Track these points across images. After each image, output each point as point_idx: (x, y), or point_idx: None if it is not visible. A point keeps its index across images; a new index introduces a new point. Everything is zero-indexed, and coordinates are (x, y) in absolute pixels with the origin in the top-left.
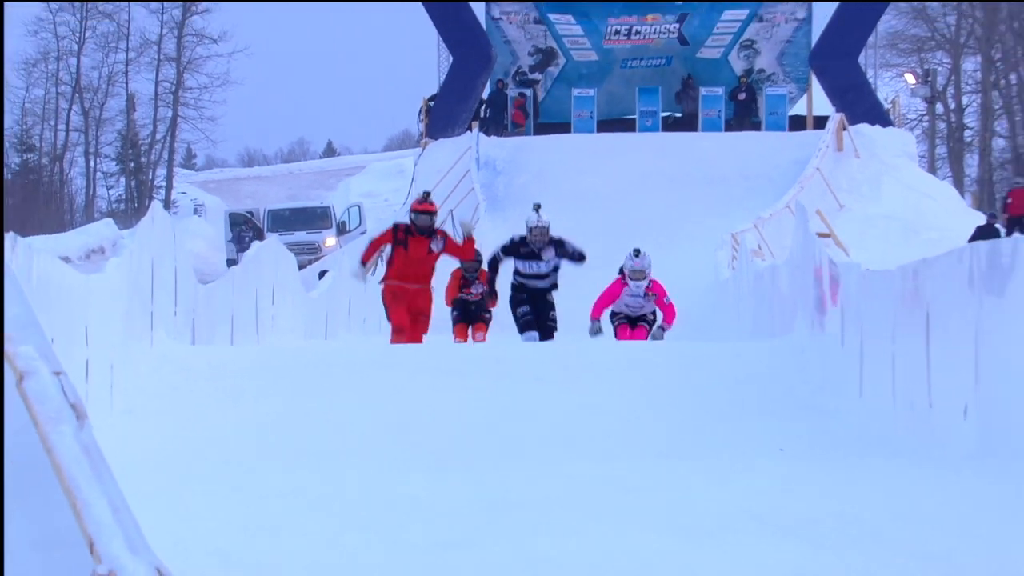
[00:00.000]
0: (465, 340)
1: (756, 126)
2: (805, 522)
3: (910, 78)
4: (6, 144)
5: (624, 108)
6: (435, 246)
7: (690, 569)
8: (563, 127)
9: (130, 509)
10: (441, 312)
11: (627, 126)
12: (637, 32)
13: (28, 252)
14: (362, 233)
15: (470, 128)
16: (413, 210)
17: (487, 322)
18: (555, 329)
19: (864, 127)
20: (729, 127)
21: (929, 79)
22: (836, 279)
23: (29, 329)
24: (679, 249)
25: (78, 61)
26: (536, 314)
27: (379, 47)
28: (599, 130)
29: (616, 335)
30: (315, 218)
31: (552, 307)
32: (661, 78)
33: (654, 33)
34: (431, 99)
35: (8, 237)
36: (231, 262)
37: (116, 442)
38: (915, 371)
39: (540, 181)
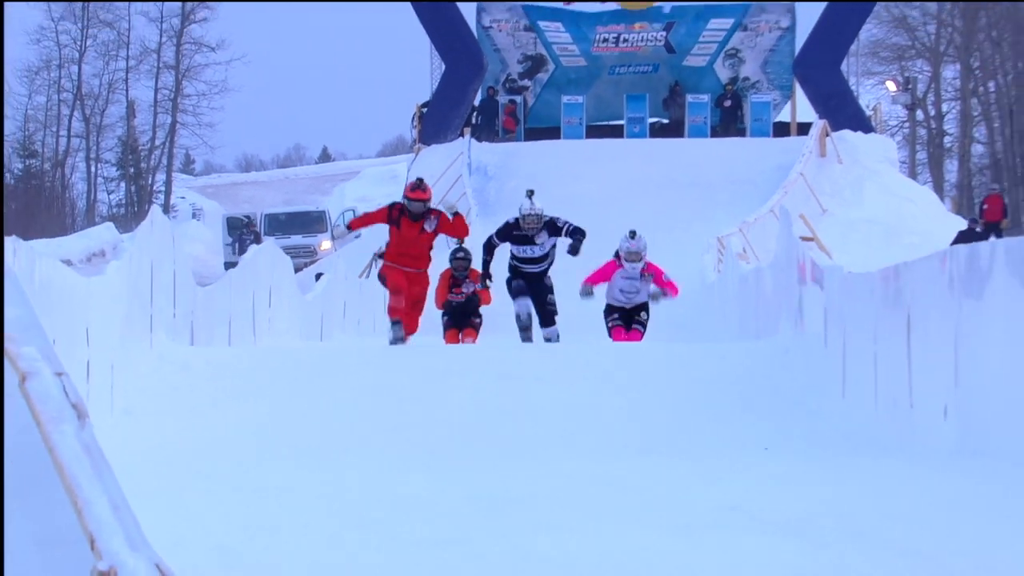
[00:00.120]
0: (454, 342)
1: (741, 132)
2: (790, 519)
3: (891, 85)
4: (8, 150)
5: (612, 113)
6: (428, 226)
7: (679, 564)
8: (552, 132)
9: (130, 507)
10: (432, 315)
11: (615, 132)
12: (625, 40)
13: (30, 255)
14: (356, 237)
15: (462, 134)
16: (406, 196)
17: (477, 327)
18: (555, 313)
19: (846, 133)
20: (715, 133)
21: (910, 86)
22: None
23: (31, 330)
24: (666, 252)
25: (79, 69)
26: (533, 295)
27: (373, 55)
28: (588, 136)
29: (611, 335)
30: (311, 222)
31: (550, 290)
32: (648, 85)
33: (641, 41)
34: (424, 106)
35: (10, 241)
36: (229, 265)
37: (116, 441)
38: (896, 372)
39: (530, 186)
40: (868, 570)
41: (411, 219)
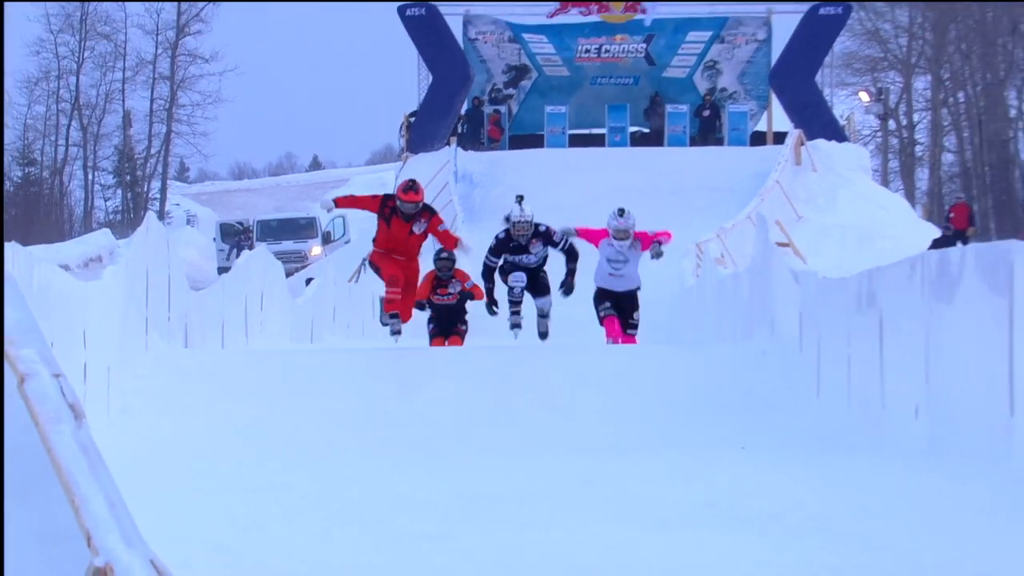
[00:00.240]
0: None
1: (719, 141)
2: (765, 515)
3: (864, 96)
4: (8, 159)
5: (594, 120)
6: (417, 228)
7: (656, 559)
8: (536, 139)
9: (126, 504)
10: (418, 319)
11: (597, 141)
12: (607, 51)
13: (29, 260)
14: (346, 242)
15: (448, 143)
16: (398, 197)
17: (463, 335)
18: (549, 287)
19: (821, 142)
20: (694, 142)
21: (882, 97)
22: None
23: (30, 333)
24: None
25: (77, 80)
26: (528, 274)
27: (362, 67)
28: (570, 144)
29: (603, 325)
30: (301, 228)
31: (545, 276)
32: (629, 96)
33: (622, 52)
34: (412, 115)
35: (9, 246)
36: (222, 270)
37: (113, 440)
38: (869, 373)
39: (515, 193)
40: (841, 565)
41: (402, 219)
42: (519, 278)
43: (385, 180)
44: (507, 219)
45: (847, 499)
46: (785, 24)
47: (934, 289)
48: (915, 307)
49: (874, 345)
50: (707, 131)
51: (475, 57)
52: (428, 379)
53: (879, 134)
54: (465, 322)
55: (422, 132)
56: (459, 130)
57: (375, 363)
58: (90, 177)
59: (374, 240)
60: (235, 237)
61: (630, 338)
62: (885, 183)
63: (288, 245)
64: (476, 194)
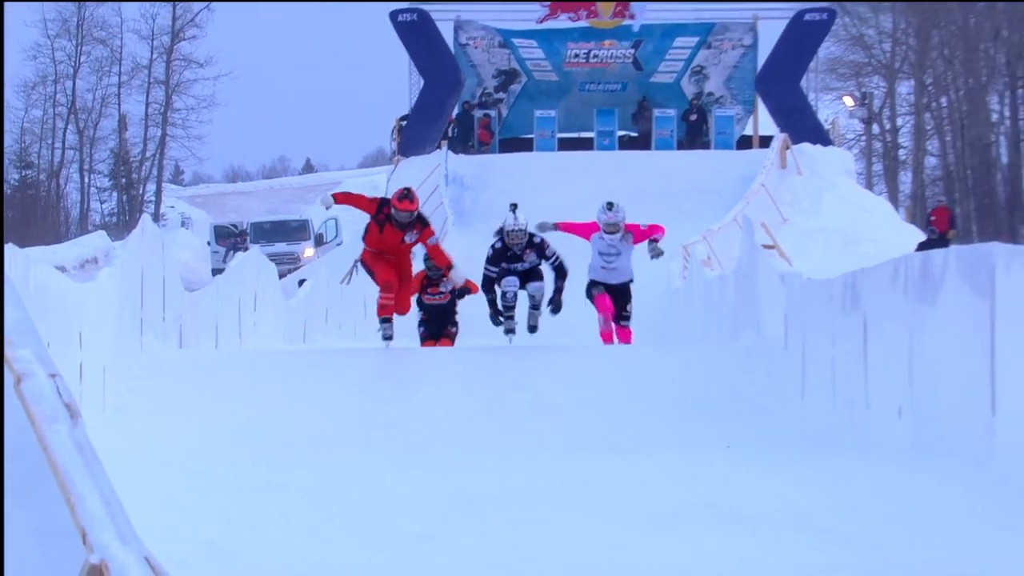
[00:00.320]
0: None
1: (706, 145)
2: (752, 514)
3: (848, 101)
4: (5, 162)
5: (583, 124)
6: (408, 237)
7: (644, 557)
8: (526, 142)
9: (121, 502)
10: (410, 319)
11: (586, 144)
12: (595, 56)
13: (26, 262)
14: (338, 244)
15: (439, 146)
16: (393, 205)
17: (453, 337)
18: (542, 277)
19: (806, 146)
20: (681, 146)
21: (866, 102)
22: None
23: (27, 334)
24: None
25: (73, 84)
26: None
27: (355, 72)
28: (559, 148)
29: (596, 303)
30: (294, 230)
31: (539, 270)
32: (616, 101)
33: (611, 58)
34: (403, 119)
35: (7, 248)
36: (216, 271)
37: (108, 439)
38: (853, 373)
39: (505, 196)
40: (826, 563)
41: (395, 227)
42: (512, 283)
43: (377, 183)
44: (500, 231)
45: (832, 498)
46: (771, 30)
47: (917, 291)
48: (899, 309)
49: (858, 346)
50: (694, 135)
51: (465, 62)
52: (422, 379)
53: (863, 138)
54: (456, 323)
55: (413, 136)
56: (450, 134)
57: (368, 363)
58: (86, 180)
59: (364, 238)
60: (232, 240)
61: (624, 329)
62: (869, 186)
63: (281, 247)
64: (466, 197)
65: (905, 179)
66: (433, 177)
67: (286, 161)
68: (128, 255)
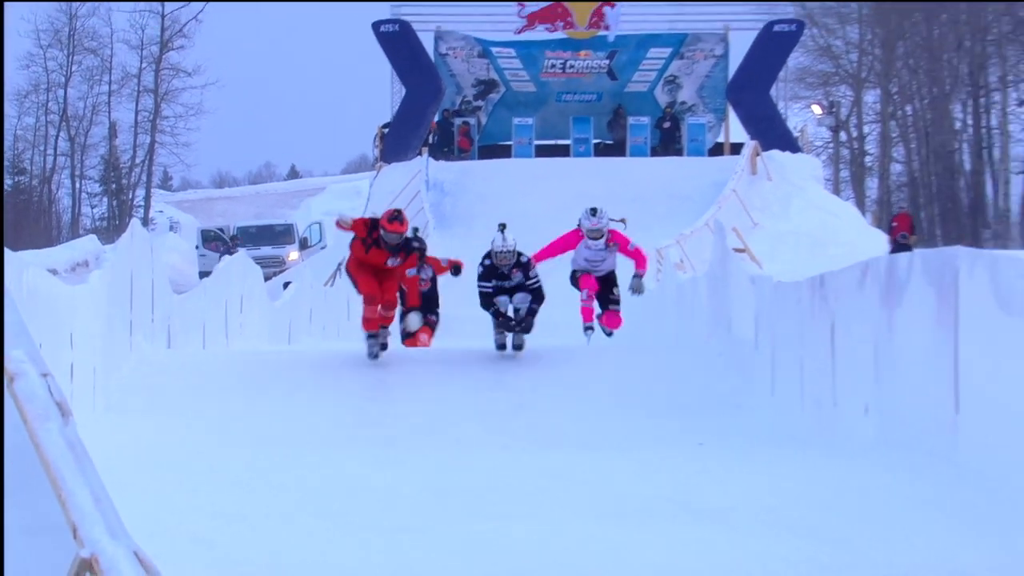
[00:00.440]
0: (413, 345)
1: (679, 152)
2: (722, 508)
3: (817, 109)
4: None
5: (559, 132)
6: (391, 262)
7: (618, 551)
8: (504, 149)
9: (110, 498)
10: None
11: (562, 151)
12: (571, 66)
13: (19, 265)
14: (322, 248)
15: (420, 153)
16: (382, 226)
17: (433, 326)
18: (529, 293)
19: (775, 153)
20: (655, 153)
21: (834, 110)
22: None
23: (19, 335)
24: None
25: (65, 92)
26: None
27: (338, 80)
28: (537, 155)
29: (580, 286)
30: (280, 234)
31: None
32: (592, 111)
33: (586, 68)
34: (385, 127)
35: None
36: (203, 274)
37: (98, 437)
38: (821, 373)
39: (483, 202)
40: (793, 556)
41: (381, 248)
42: (503, 302)
43: (360, 188)
44: (489, 253)
45: (801, 493)
46: (742, 41)
47: (883, 293)
48: (865, 310)
49: (826, 346)
50: (667, 142)
51: (445, 71)
52: (403, 378)
53: (831, 145)
54: (437, 314)
55: (395, 143)
56: (430, 141)
57: (351, 363)
58: (77, 185)
59: (351, 245)
60: (224, 245)
61: (613, 314)
62: (837, 192)
63: (267, 250)
64: (447, 202)
65: (871, 185)
66: (414, 183)
67: (272, 167)
68: (118, 258)
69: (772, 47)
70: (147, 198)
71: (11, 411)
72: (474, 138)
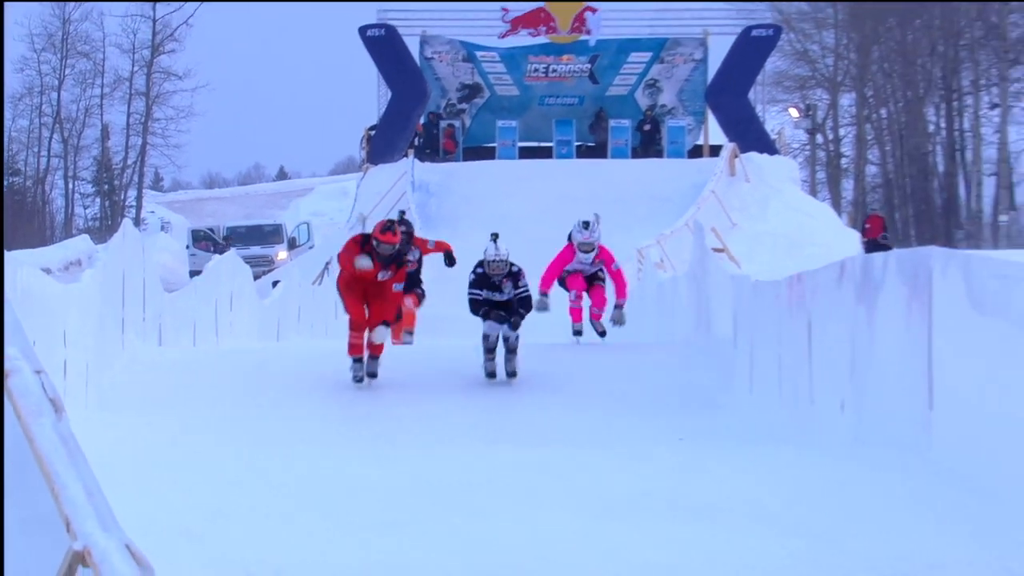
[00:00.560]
0: (399, 343)
1: (659, 154)
2: (701, 503)
3: (794, 112)
4: None
5: (542, 134)
6: (382, 275)
7: (601, 545)
8: (488, 151)
9: (103, 492)
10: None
11: (545, 153)
12: (554, 70)
13: (13, 264)
14: (310, 247)
15: (406, 155)
16: (375, 237)
17: (420, 297)
18: (520, 320)
19: (753, 155)
20: (635, 155)
21: (810, 113)
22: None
23: (14, 332)
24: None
25: (59, 95)
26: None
27: (326, 83)
28: (520, 156)
29: (567, 285)
30: (269, 234)
31: (514, 305)
32: (574, 114)
33: (569, 72)
34: (372, 129)
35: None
36: (193, 273)
37: (90, 433)
38: (798, 370)
39: (468, 203)
40: (771, 549)
41: (374, 261)
42: (493, 327)
43: (347, 189)
44: (484, 256)
45: (779, 487)
46: (720, 45)
47: (859, 292)
48: (841, 308)
49: (803, 344)
50: (648, 144)
51: (431, 75)
52: (392, 375)
53: (807, 147)
54: (423, 290)
55: (382, 144)
56: (416, 142)
57: (338, 360)
58: (70, 186)
59: (340, 258)
60: (214, 243)
61: (599, 289)
62: (813, 193)
63: (256, 250)
64: (432, 203)
65: (847, 186)
66: (400, 184)
67: (261, 168)
68: (110, 258)
69: (750, 51)
70: (139, 199)
71: (6, 407)
72: (459, 140)
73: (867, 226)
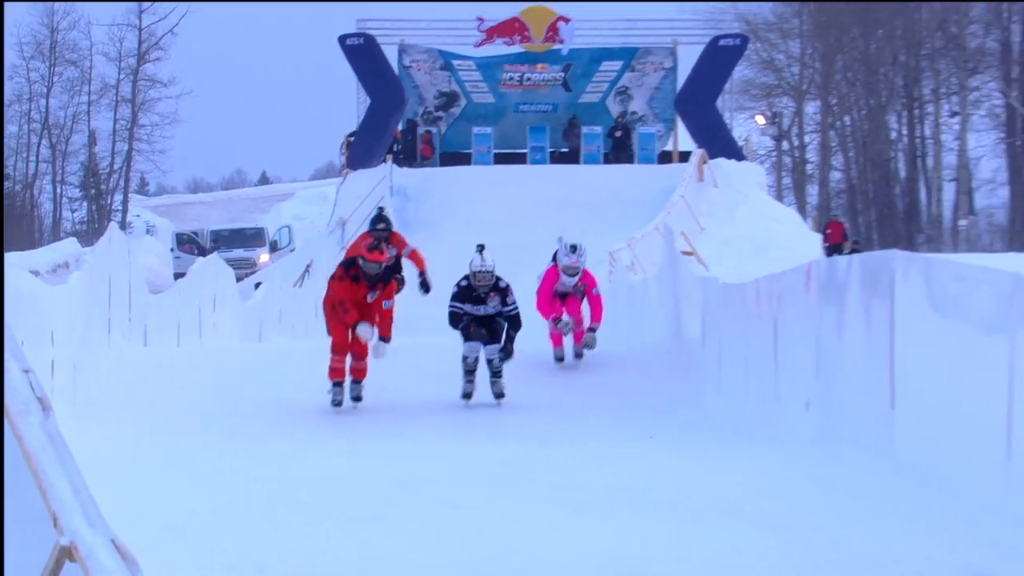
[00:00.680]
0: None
1: (630, 160)
2: (671, 498)
3: (760, 119)
4: None
5: (517, 141)
6: (371, 296)
7: (574, 540)
8: (464, 157)
9: (89, 489)
10: None
11: (520, 159)
12: (528, 78)
13: (2, 266)
14: (292, 251)
15: (385, 160)
16: (362, 257)
17: (401, 283)
18: (500, 338)
19: (721, 161)
20: (607, 160)
21: (776, 120)
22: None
23: (2, 333)
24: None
25: (47, 102)
26: (486, 326)
27: (306, 90)
28: (496, 162)
29: (547, 312)
30: (251, 237)
31: (498, 324)
32: (548, 120)
33: (543, 80)
34: (351, 135)
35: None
36: (178, 275)
37: (78, 431)
38: (764, 369)
39: (445, 206)
40: (739, 543)
41: (363, 280)
42: (474, 348)
43: (327, 194)
44: (470, 267)
45: (746, 483)
46: (689, 54)
47: (823, 293)
48: (806, 310)
49: (769, 344)
50: (619, 150)
51: (409, 83)
52: (369, 373)
53: (774, 154)
54: (402, 276)
55: (361, 150)
56: (394, 148)
57: (318, 361)
58: (58, 191)
59: (330, 280)
60: (198, 247)
61: (573, 300)
62: (779, 198)
63: (239, 253)
64: (410, 207)
65: (812, 191)
66: (379, 189)
67: (243, 173)
68: (97, 260)
69: (718, 60)
70: (125, 203)
71: None
72: (436, 146)
73: (828, 231)
